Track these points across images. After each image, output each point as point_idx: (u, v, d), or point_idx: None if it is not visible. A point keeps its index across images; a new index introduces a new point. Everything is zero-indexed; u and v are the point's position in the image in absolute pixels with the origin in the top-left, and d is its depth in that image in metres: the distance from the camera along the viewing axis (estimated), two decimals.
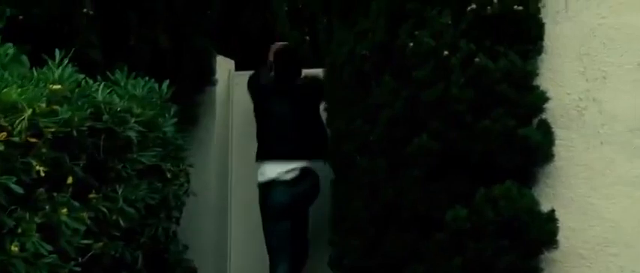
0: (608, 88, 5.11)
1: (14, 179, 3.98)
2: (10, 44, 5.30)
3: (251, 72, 6.87)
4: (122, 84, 5.17)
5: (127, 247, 4.92)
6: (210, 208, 6.75)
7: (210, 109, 6.75)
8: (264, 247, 6.34)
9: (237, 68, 7.06)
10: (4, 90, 4.16)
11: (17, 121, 4.04)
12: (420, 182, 5.02)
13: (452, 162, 4.98)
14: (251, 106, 6.84)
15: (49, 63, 4.67)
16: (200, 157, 6.66)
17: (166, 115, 5.34)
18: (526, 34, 5.06)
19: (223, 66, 6.87)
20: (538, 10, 5.08)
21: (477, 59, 4.91)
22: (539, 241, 4.89)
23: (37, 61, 5.27)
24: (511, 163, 4.91)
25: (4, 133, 3.99)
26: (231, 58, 7.02)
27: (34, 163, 4.08)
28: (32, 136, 4.15)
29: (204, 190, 6.64)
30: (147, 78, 5.41)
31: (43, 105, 4.19)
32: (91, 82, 5.00)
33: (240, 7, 7.12)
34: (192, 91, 6.34)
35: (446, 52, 4.96)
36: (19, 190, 3.98)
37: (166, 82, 5.55)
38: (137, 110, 4.99)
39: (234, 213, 6.89)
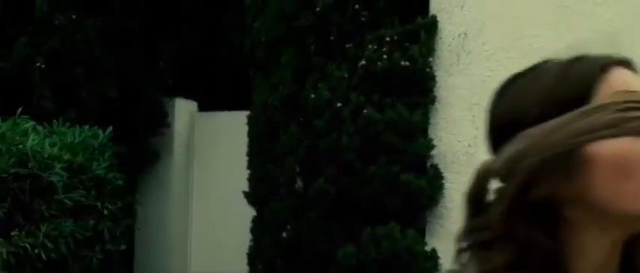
0: None
1: None
2: None
3: (215, 112, 7.47)
4: (57, 132, 5.78)
5: None
6: (171, 239, 7.32)
7: (169, 149, 7.33)
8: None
9: (202, 109, 7.63)
10: None
11: None
12: (318, 223, 5.51)
13: (346, 205, 5.46)
14: (214, 144, 7.43)
15: None
16: (160, 192, 7.25)
17: (101, 159, 5.92)
18: (416, 87, 5.52)
19: (184, 108, 7.45)
20: (426, 65, 5.53)
21: (364, 111, 5.39)
22: None
23: (5, 111, 5.94)
24: (396, 206, 5.38)
25: None
26: (196, 99, 7.61)
27: None
28: None
29: (162, 223, 7.23)
30: (87, 126, 6.02)
31: None
32: (40, 130, 5.64)
33: (208, 52, 7.69)
34: (145, 135, 6.92)
35: (339, 104, 5.46)
36: None
37: (109, 129, 6.15)
38: (66, 156, 5.58)
39: (193, 245, 7.45)
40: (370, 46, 5.48)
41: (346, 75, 5.52)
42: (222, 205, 7.32)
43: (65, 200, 5.48)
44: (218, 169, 7.40)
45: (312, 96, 5.57)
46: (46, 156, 5.44)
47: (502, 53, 5.57)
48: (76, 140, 5.82)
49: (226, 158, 7.32)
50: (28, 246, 5.24)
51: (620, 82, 1.21)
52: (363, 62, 5.46)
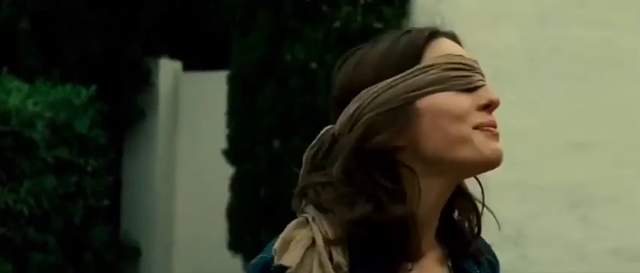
0: None
1: None
2: None
3: (200, 72, 7.61)
4: (40, 91, 5.92)
5: (39, 231, 5.68)
6: (157, 195, 7.49)
7: (154, 107, 7.48)
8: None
9: (188, 69, 7.76)
10: None
11: None
12: (294, 180, 5.65)
13: None
14: (199, 103, 7.57)
15: None
16: (147, 150, 7.41)
17: (84, 117, 6.06)
18: None
19: (168, 67, 7.58)
20: (399, 27, 5.64)
21: None
22: None
23: None
24: None
25: None
26: (182, 59, 7.73)
27: None
28: None
29: (149, 179, 7.40)
30: (70, 84, 6.16)
31: None
32: (23, 89, 5.78)
33: (192, 12, 7.81)
34: (129, 94, 7.06)
35: (314, 65, 5.59)
36: None
37: (92, 87, 6.28)
38: (48, 114, 5.73)
39: (179, 200, 7.61)
40: (345, 8, 5.60)
41: (321, 36, 5.65)
42: (207, 162, 7.46)
43: (47, 157, 5.63)
44: (203, 127, 7.54)
45: (288, 57, 5.70)
46: (28, 114, 5.58)
47: (476, 16, 5.68)
48: (59, 98, 5.96)
49: (211, 117, 7.45)
50: (10, 201, 5.39)
51: (443, 47, 1.42)
52: (338, 24, 5.59)
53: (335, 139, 1.45)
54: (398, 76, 1.40)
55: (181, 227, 7.56)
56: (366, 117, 1.40)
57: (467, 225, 1.47)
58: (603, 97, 5.49)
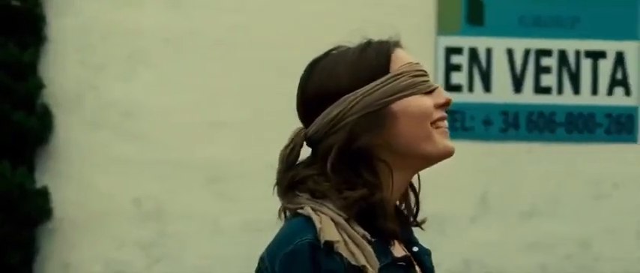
0: (106, 77, 5.74)
1: None
2: None
3: None
4: None
5: None
6: None
7: None
8: None
9: None
10: None
11: None
12: None
13: None
14: None
15: None
16: None
17: None
18: (26, 27, 5.56)
19: None
20: (36, 5, 5.59)
21: None
22: (32, 214, 5.44)
23: None
24: (6, 145, 5.42)
25: None
26: None
27: None
28: None
29: None
30: None
31: None
32: None
33: None
34: None
35: None
36: None
37: None
38: None
39: None
40: None
41: None
42: None
43: None
44: None
45: None
46: None
47: None
48: None
49: None
50: None
51: (403, 56, 1.69)
52: None
53: (309, 139, 1.67)
54: (374, 84, 1.65)
55: None
56: (347, 120, 1.64)
57: (405, 206, 1.73)
58: (237, 79, 5.78)
